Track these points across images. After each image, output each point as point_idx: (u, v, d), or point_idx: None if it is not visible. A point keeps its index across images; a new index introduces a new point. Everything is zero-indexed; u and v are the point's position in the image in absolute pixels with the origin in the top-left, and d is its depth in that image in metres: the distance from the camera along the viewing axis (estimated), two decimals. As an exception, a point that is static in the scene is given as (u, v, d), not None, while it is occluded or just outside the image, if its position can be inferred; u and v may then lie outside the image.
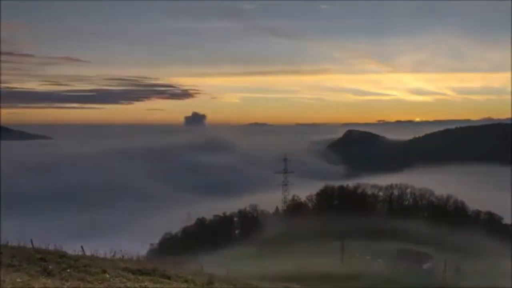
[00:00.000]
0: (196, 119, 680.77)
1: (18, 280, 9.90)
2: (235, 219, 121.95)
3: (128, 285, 11.43)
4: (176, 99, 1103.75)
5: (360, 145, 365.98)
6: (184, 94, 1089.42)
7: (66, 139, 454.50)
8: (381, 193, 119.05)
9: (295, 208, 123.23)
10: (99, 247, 17.99)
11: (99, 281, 11.29)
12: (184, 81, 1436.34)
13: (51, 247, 15.48)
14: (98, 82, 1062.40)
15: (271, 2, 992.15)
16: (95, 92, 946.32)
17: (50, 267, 12.15)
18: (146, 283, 11.96)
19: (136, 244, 68.27)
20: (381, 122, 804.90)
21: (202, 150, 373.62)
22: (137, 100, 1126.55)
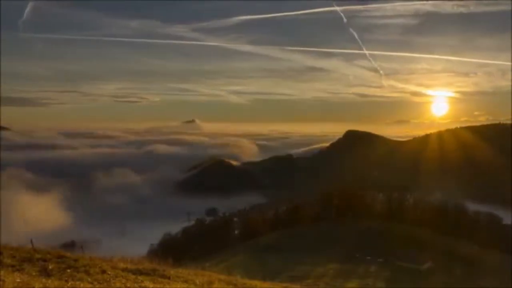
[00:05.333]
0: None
1: (18, 280, 9.88)
2: (235, 219, 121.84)
3: (128, 285, 11.41)
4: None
5: (361, 145, 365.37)
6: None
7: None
8: (381, 195, 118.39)
9: (295, 208, 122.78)
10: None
11: (99, 281, 11.28)
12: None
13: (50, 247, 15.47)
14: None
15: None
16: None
17: (50, 267, 12.15)
18: (146, 283, 11.94)
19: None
20: (382, 122, 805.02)
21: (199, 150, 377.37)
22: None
